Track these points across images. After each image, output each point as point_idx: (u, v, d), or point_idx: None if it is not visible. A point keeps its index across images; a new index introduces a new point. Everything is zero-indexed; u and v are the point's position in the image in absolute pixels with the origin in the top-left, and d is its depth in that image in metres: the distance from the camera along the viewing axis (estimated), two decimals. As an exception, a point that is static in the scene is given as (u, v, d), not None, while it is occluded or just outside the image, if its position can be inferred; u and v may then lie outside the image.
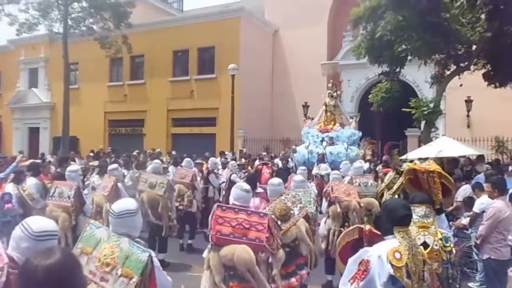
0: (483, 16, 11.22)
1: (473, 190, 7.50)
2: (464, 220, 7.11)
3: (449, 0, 11.07)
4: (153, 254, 2.66)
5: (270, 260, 3.62)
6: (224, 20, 20.88)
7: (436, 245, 3.32)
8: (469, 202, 7.29)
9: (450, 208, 8.50)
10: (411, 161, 6.37)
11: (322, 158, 12.27)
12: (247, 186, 3.97)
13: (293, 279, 4.29)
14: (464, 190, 8.36)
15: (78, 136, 23.12)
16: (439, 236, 3.37)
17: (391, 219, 2.91)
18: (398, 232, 2.85)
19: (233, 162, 11.84)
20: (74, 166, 7.44)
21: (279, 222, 4.29)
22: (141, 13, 22.87)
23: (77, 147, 22.42)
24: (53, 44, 19.39)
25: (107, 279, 2.46)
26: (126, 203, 2.93)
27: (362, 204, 6.53)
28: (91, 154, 16.64)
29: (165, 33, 21.93)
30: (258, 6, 22.78)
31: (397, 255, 2.74)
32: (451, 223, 7.91)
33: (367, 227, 3.59)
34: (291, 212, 4.46)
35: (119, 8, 19.04)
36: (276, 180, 4.90)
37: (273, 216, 4.26)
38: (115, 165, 8.26)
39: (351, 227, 4.08)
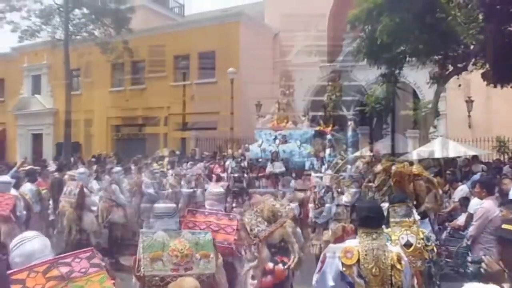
0: (480, 16, 11.19)
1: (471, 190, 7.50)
2: (459, 221, 7.08)
3: (445, 1, 11.06)
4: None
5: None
6: (224, 25, 20.91)
7: (418, 244, 3.37)
8: (464, 203, 7.26)
9: (448, 209, 8.48)
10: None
11: (276, 156, 12.29)
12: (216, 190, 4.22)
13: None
14: (462, 190, 8.35)
15: (81, 142, 23.24)
16: (421, 235, 3.40)
17: (356, 220, 2.98)
18: (361, 233, 2.91)
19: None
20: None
21: (265, 224, 4.31)
22: (143, 18, 22.98)
23: (80, 152, 22.50)
24: (55, 51, 19.54)
25: (191, 267, 2.84)
26: (166, 205, 3.27)
27: None
28: (93, 159, 16.74)
29: (166, 38, 22.01)
30: (257, 11, 22.86)
31: (348, 254, 2.81)
32: (447, 223, 7.91)
33: (350, 226, 3.65)
34: (279, 213, 4.47)
35: (119, 14, 19.16)
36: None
37: (260, 219, 4.30)
38: (82, 169, 8.49)
39: (337, 225, 4.13)
